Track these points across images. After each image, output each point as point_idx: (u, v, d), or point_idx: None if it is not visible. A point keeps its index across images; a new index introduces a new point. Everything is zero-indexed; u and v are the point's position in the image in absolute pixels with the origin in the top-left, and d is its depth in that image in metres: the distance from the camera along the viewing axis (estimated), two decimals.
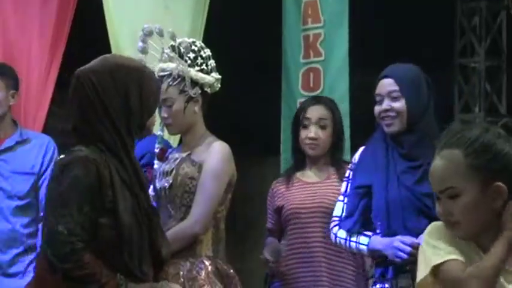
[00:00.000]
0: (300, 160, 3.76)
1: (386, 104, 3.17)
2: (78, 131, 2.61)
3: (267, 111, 4.99)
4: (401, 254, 3.06)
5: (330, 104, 3.73)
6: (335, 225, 3.27)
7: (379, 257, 3.17)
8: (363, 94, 4.81)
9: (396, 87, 3.17)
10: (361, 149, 3.30)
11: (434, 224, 2.24)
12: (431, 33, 6.16)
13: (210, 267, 3.28)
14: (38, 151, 4.04)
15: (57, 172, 2.54)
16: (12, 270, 3.99)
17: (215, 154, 3.35)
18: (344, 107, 4.64)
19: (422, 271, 2.19)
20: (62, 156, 2.60)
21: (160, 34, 3.46)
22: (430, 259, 2.17)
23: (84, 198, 2.48)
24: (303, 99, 4.39)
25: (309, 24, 4.87)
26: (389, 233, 3.13)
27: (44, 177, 4.02)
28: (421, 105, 3.18)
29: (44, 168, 4.03)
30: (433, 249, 2.18)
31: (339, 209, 3.27)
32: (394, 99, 3.16)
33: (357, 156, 3.29)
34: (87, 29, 4.89)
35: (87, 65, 2.70)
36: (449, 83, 6.27)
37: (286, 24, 4.94)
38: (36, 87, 4.41)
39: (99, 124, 2.58)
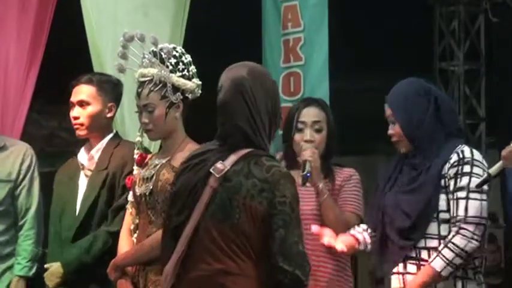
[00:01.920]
0: (292, 162, 3.72)
1: (390, 129, 3.33)
2: (231, 137, 2.65)
3: None
4: None
5: (323, 105, 3.66)
6: None
7: None
8: (338, 99, 4.84)
9: (390, 112, 3.31)
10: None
11: None
12: (410, 37, 6.19)
13: None
14: (15, 159, 4.00)
15: (276, 192, 2.59)
16: None
17: None
18: None
19: None
20: (255, 168, 2.60)
21: (142, 40, 3.46)
22: None
23: None
24: (284, 104, 4.39)
25: (289, 28, 4.87)
26: (381, 237, 3.29)
27: (21, 185, 4.00)
28: (415, 121, 3.27)
29: (21, 176, 4.00)
30: None
31: None
32: (393, 123, 3.31)
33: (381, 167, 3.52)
34: (65, 36, 4.87)
35: (233, 70, 2.71)
36: None
37: (266, 29, 4.95)
38: (14, 94, 4.38)
39: (252, 131, 2.63)
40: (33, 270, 3.91)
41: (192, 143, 3.44)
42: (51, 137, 6.01)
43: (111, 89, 3.89)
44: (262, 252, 2.57)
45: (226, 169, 2.59)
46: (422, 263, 3.20)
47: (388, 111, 3.32)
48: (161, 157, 3.47)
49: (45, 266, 3.81)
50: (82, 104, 3.82)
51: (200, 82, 3.45)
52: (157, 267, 3.31)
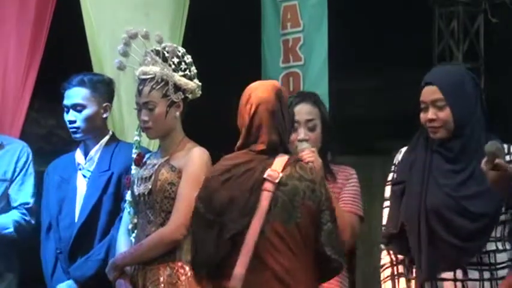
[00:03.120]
0: None
1: (431, 113, 3.12)
2: (275, 144, 2.97)
3: None
4: None
5: (316, 100, 3.55)
6: (382, 243, 3.23)
7: None
8: (338, 99, 4.84)
9: (440, 96, 3.10)
10: (404, 149, 3.28)
11: None
12: (409, 37, 6.19)
13: (190, 272, 3.26)
14: (11, 157, 3.99)
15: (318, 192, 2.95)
16: None
17: (195, 160, 3.34)
18: None
19: None
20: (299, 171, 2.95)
21: (146, 37, 3.46)
22: None
23: None
24: None
25: (288, 28, 4.87)
26: (431, 236, 3.08)
27: (15, 182, 3.98)
28: (467, 110, 3.13)
29: (16, 174, 3.99)
30: None
31: (384, 217, 3.24)
32: (439, 108, 3.11)
33: (399, 156, 3.27)
34: (65, 35, 4.87)
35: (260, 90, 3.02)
36: None
37: (266, 29, 4.94)
38: (13, 92, 4.37)
39: (285, 138, 3.01)
40: (10, 229, 3.88)
41: (190, 143, 3.44)
42: (50, 135, 6.01)
43: (105, 89, 3.88)
44: (313, 244, 2.91)
45: (280, 175, 2.89)
46: (483, 267, 3.07)
47: (435, 95, 3.10)
48: (159, 156, 3.47)
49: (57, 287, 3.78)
50: (77, 107, 3.80)
51: (200, 83, 3.46)
52: (156, 266, 3.33)
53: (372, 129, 6.89)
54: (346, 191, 3.51)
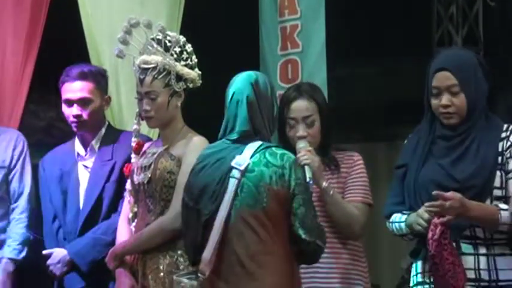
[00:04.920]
0: None
1: (446, 99, 3.14)
2: (248, 134, 3.06)
3: None
4: (420, 222, 3.06)
5: (313, 93, 3.49)
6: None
7: (417, 234, 3.14)
8: (336, 85, 4.83)
9: (455, 81, 3.12)
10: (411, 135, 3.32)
11: None
12: (408, 22, 6.17)
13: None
14: (7, 145, 3.98)
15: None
16: None
17: (194, 149, 3.34)
18: None
19: None
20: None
21: (149, 26, 3.44)
22: None
23: None
24: (282, 92, 4.37)
25: (286, 16, 4.85)
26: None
27: (14, 171, 3.97)
28: (480, 95, 3.16)
29: (14, 162, 3.97)
30: None
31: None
32: (454, 94, 3.13)
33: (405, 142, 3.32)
34: (62, 26, 4.85)
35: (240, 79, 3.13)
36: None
37: (263, 17, 4.92)
38: (11, 85, 4.36)
39: (264, 130, 3.09)
40: (23, 254, 3.89)
41: (191, 132, 3.44)
42: (49, 127, 6.00)
43: (105, 81, 3.88)
44: (287, 230, 2.98)
45: (247, 162, 2.97)
46: (478, 241, 3.08)
47: (450, 81, 3.12)
48: (159, 145, 3.46)
49: (44, 252, 3.81)
50: (83, 101, 3.78)
51: (200, 72, 3.45)
52: (156, 255, 3.33)
53: (372, 116, 6.87)
54: (352, 180, 3.46)
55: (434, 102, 3.17)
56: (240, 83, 3.14)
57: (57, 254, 3.75)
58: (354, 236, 3.43)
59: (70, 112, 3.81)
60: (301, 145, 3.33)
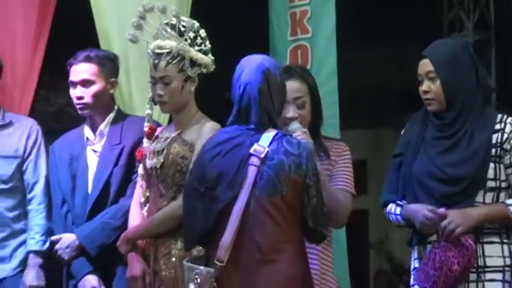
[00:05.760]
0: None
1: (425, 85, 3.23)
2: (263, 123, 3.03)
3: None
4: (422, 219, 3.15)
5: (304, 75, 3.41)
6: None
7: (412, 225, 3.23)
8: (346, 71, 4.81)
9: (431, 68, 3.22)
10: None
11: None
12: (419, 8, 6.15)
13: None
14: (21, 134, 3.98)
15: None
16: None
17: (206, 134, 3.33)
18: (332, 84, 4.62)
19: None
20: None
21: (163, 11, 3.44)
22: None
23: None
24: None
25: (296, 1, 4.83)
26: (415, 201, 3.21)
27: (28, 160, 3.98)
28: (459, 82, 3.20)
29: (28, 151, 3.98)
30: None
31: None
32: (431, 80, 3.22)
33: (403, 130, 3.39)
34: (72, 12, 4.85)
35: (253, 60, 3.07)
36: None
37: (273, 2, 4.91)
38: (22, 71, 4.35)
39: (277, 117, 3.07)
40: (47, 244, 3.91)
41: (204, 118, 3.44)
42: (59, 113, 6.02)
43: (111, 65, 3.87)
44: (300, 217, 2.99)
45: (266, 150, 2.96)
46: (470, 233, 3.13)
47: (427, 67, 3.22)
48: (172, 130, 3.46)
49: (52, 238, 3.82)
50: (85, 83, 3.79)
51: (213, 58, 3.45)
52: (168, 240, 3.34)
53: (381, 102, 6.87)
54: (338, 168, 3.40)
55: (419, 88, 3.26)
56: (252, 74, 3.05)
57: (66, 239, 3.77)
58: (338, 224, 3.38)
59: (73, 94, 3.83)
60: (295, 125, 3.29)
